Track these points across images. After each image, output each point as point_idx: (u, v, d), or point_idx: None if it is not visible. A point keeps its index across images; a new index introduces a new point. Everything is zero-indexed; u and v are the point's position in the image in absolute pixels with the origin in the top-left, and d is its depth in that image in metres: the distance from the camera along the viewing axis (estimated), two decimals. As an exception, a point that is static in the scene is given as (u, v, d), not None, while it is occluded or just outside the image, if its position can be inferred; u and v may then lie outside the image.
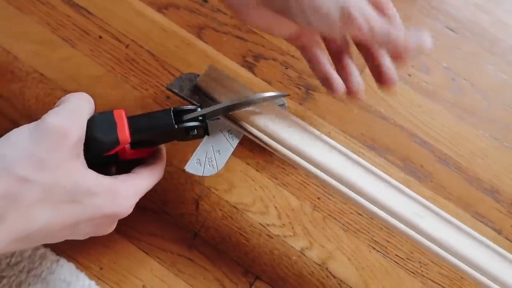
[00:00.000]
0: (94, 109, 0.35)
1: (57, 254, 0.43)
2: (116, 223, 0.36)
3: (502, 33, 0.56)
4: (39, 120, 0.31)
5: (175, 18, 0.53)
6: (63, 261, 0.43)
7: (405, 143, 0.50)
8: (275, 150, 0.39)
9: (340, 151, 0.40)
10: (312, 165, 0.39)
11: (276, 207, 0.47)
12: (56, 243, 0.43)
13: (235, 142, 0.38)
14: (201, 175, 0.37)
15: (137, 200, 0.35)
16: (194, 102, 0.38)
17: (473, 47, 0.55)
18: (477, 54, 0.55)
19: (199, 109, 0.36)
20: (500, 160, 0.51)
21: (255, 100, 0.37)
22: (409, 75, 0.53)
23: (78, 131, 0.31)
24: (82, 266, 0.44)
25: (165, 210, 0.46)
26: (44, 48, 0.51)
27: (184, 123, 0.35)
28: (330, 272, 0.46)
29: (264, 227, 0.47)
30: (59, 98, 0.48)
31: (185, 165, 0.37)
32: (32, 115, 0.48)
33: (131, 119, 0.34)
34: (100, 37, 0.51)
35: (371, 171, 0.40)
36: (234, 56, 0.52)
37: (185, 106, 0.36)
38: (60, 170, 0.30)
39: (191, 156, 0.37)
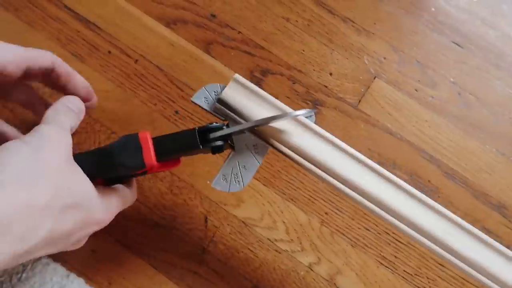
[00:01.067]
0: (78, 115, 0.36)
1: (67, 269, 0.44)
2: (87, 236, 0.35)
3: (508, 47, 0.56)
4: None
5: (183, 33, 0.53)
6: (73, 276, 0.43)
7: (412, 158, 0.51)
8: (305, 167, 0.37)
9: (370, 167, 0.37)
10: (342, 183, 0.37)
11: (284, 222, 0.48)
12: (67, 258, 0.44)
13: (261, 157, 0.37)
14: (227, 191, 0.37)
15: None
16: (219, 116, 0.37)
17: (479, 61, 0.55)
18: (484, 69, 0.55)
19: (224, 127, 0.35)
20: (507, 174, 0.51)
21: (282, 119, 0.35)
22: (416, 90, 0.53)
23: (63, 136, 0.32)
24: (91, 281, 0.44)
25: (174, 225, 0.46)
26: (54, 63, 0.51)
27: (210, 143, 0.35)
28: (338, 288, 0.46)
29: (272, 242, 0.47)
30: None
31: (212, 181, 0.37)
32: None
33: (156, 142, 0.34)
34: (109, 52, 0.52)
35: (402, 187, 0.38)
36: (241, 71, 0.52)
37: (210, 125, 0.35)
38: (61, 175, 0.29)
39: (218, 172, 0.37)
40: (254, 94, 0.38)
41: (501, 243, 0.47)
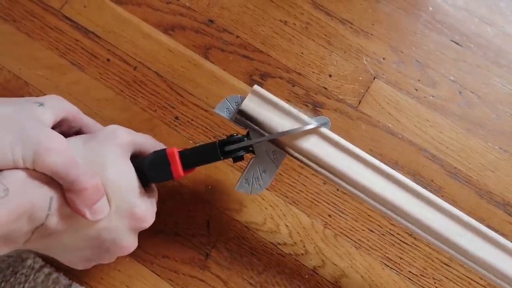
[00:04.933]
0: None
1: (70, 279, 0.43)
2: (136, 238, 0.37)
3: (507, 45, 0.56)
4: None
5: (181, 39, 0.54)
6: (75, 286, 0.43)
7: (414, 158, 0.50)
8: (321, 174, 0.39)
9: (382, 172, 0.39)
10: (356, 189, 0.39)
11: (287, 226, 0.47)
12: (69, 268, 0.44)
13: (279, 162, 0.39)
14: (249, 193, 0.40)
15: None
16: (240, 126, 0.40)
17: (479, 59, 0.55)
18: (483, 67, 0.55)
19: (245, 139, 0.38)
20: (510, 172, 0.50)
21: (298, 131, 0.38)
22: (416, 90, 0.53)
23: (127, 137, 0.36)
24: (94, 290, 0.44)
25: (177, 232, 0.46)
26: (53, 72, 0.51)
27: (230, 154, 0.38)
28: (343, 291, 0.46)
29: (276, 246, 0.47)
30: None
31: (235, 185, 0.40)
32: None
33: (182, 156, 0.37)
34: (108, 60, 0.52)
35: (414, 190, 0.38)
36: (241, 75, 0.52)
37: (230, 137, 0.38)
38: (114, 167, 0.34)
39: (240, 176, 0.40)
40: (273, 104, 0.39)
41: (507, 241, 0.47)
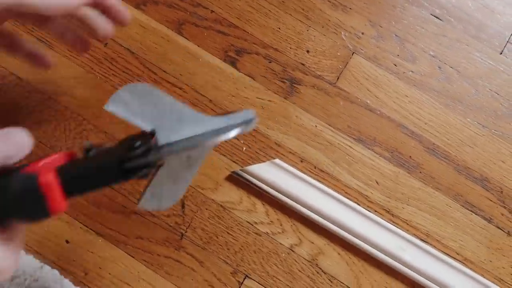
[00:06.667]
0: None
1: (41, 261, 0.42)
2: None
3: (488, 19, 0.55)
4: None
5: (154, 14, 0.52)
6: (47, 268, 0.42)
7: (392, 134, 0.50)
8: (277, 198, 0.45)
9: (332, 196, 0.46)
10: (319, 216, 0.45)
11: (263, 204, 0.46)
12: (40, 250, 0.42)
13: (195, 167, 0.31)
14: (160, 209, 0.31)
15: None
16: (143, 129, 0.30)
17: (459, 33, 0.54)
18: (463, 41, 0.54)
19: (151, 151, 0.28)
20: (489, 148, 0.50)
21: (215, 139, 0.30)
22: (395, 65, 0.52)
23: None
24: (66, 272, 0.43)
25: (151, 212, 0.45)
26: (20, 49, 0.49)
27: (131, 174, 0.28)
28: (320, 268, 0.45)
29: (252, 225, 0.46)
30: (36, 101, 0.47)
31: (138, 202, 0.31)
32: (9, 120, 0.47)
33: (65, 181, 0.26)
34: (78, 36, 0.50)
35: (360, 212, 0.46)
36: (216, 51, 0.51)
37: (133, 152, 0.27)
38: None
39: (144, 189, 0.30)
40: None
41: (483, 216, 0.47)
